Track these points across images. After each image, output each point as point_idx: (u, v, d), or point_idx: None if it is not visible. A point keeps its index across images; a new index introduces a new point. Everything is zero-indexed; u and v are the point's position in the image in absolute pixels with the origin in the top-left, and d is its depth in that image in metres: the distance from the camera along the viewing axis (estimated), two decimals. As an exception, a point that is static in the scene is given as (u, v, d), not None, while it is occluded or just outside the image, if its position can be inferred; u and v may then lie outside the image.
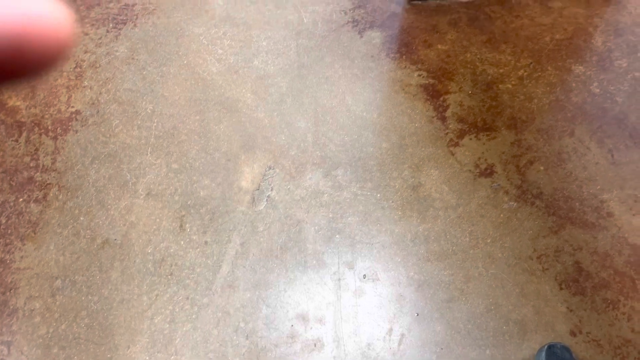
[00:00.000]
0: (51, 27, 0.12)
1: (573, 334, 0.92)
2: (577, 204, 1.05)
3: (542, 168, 1.09)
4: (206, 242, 1.05)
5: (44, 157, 1.17)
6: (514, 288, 0.97)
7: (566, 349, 0.84)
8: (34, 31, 0.12)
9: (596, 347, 0.91)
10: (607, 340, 0.91)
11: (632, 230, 1.01)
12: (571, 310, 0.94)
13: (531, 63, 1.25)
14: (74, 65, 1.31)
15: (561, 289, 0.96)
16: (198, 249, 1.04)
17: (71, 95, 1.26)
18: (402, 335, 0.94)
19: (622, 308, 0.94)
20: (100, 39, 1.36)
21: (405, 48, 1.29)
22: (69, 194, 1.12)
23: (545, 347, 0.85)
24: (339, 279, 1.00)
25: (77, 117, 1.22)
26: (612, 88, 1.19)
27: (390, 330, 0.95)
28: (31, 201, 1.11)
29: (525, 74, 1.23)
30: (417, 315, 0.96)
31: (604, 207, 1.04)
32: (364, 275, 1.00)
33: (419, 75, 1.24)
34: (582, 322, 0.93)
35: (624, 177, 1.07)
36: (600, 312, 0.94)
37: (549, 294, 0.96)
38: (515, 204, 1.06)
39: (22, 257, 1.05)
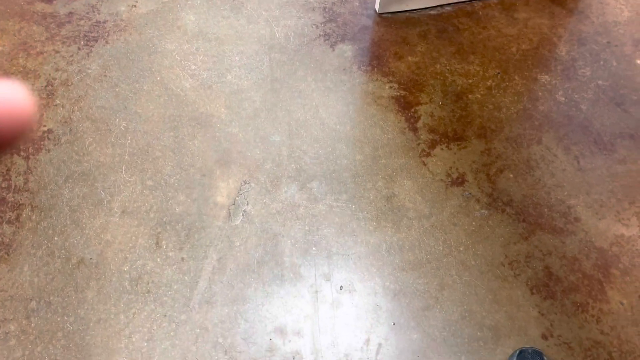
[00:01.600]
0: (11, 110, 0.13)
1: (545, 337, 0.95)
2: (545, 210, 1.08)
3: (511, 176, 1.12)
4: (183, 259, 1.05)
5: (16, 177, 1.16)
6: (487, 294, 0.99)
7: (537, 353, 0.86)
8: None
9: (567, 350, 0.93)
10: (577, 343, 0.94)
11: (599, 234, 1.04)
12: (542, 314, 0.97)
13: (499, 73, 1.28)
14: (45, 84, 1.30)
15: (532, 293, 0.99)
16: (175, 266, 1.04)
17: (43, 114, 1.25)
18: (380, 344, 0.96)
19: (591, 310, 0.97)
20: (71, 56, 1.35)
21: (377, 60, 1.32)
22: (42, 214, 1.11)
23: (517, 352, 0.87)
24: (316, 291, 1.01)
25: (50, 135, 1.22)
26: (576, 96, 1.23)
27: (368, 340, 0.96)
28: (3, 222, 1.10)
29: (494, 84, 1.26)
30: (394, 324, 0.97)
31: (571, 212, 1.07)
32: (341, 286, 1.01)
33: (391, 87, 1.27)
34: (553, 325, 0.96)
35: (590, 182, 1.10)
36: (570, 315, 0.96)
37: (520, 299, 0.98)
38: (486, 211, 1.08)
39: (-5, 279, 1.03)
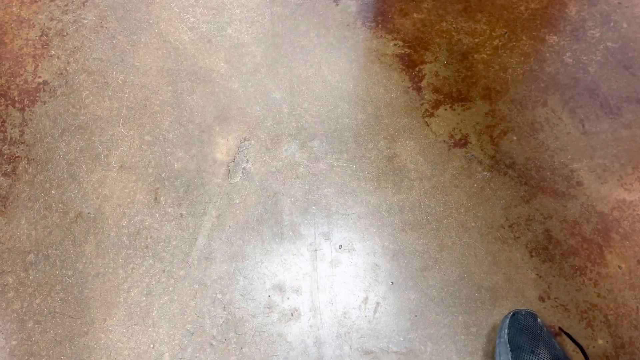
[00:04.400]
0: None
1: (542, 299, 0.95)
2: (548, 173, 1.07)
3: (515, 138, 1.11)
4: (182, 215, 1.04)
5: (12, 129, 1.14)
6: (486, 256, 0.99)
7: (531, 314, 0.87)
8: None
9: (564, 312, 0.94)
10: (574, 305, 0.95)
11: (600, 198, 1.04)
12: (540, 277, 0.97)
13: (506, 32, 1.25)
14: (40, 34, 1.26)
15: (531, 256, 0.99)
16: (173, 222, 1.04)
17: (38, 65, 1.22)
18: (378, 303, 0.96)
19: (589, 274, 0.97)
20: (66, 5, 1.31)
21: (381, 17, 1.28)
22: (39, 167, 1.09)
23: (511, 313, 0.87)
24: (315, 250, 1.01)
25: (45, 87, 1.19)
26: (584, 58, 1.20)
27: (366, 299, 0.96)
28: (0, 175, 1.08)
29: (500, 43, 1.23)
30: (392, 284, 0.98)
31: (574, 176, 1.06)
32: (340, 245, 1.01)
33: (395, 45, 1.23)
34: (550, 288, 0.96)
35: (594, 146, 1.09)
36: (568, 278, 0.97)
37: (519, 262, 0.98)
38: (488, 174, 1.07)
39: (-8, 232, 1.03)
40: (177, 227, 1.03)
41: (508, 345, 0.83)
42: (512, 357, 0.82)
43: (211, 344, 0.94)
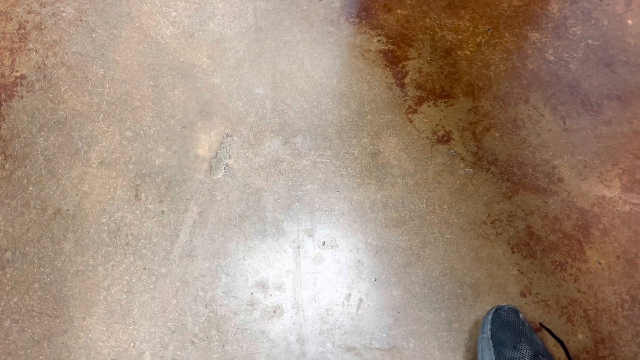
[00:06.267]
0: None
1: (523, 295, 0.96)
2: (530, 169, 1.07)
3: (497, 135, 1.11)
4: (163, 212, 1.03)
5: (-12, 124, 1.11)
6: (468, 252, 1.00)
7: (513, 310, 0.87)
8: None
9: (544, 307, 0.95)
10: (554, 300, 0.95)
11: (581, 194, 1.05)
12: (522, 273, 0.98)
13: (489, 29, 1.25)
14: (17, 27, 1.24)
15: (513, 252, 1.00)
16: (155, 219, 1.02)
17: (15, 59, 1.19)
18: (360, 300, 0.96)
19: (569, 270, 0.98)
20: (44, -2, 1.28)
21: (365, 12, 1.27)
22: (16, 162, 1.07)
23: (493, 309, 0.88)
24: (299, 247, 1.00)
25: (22, 82, 1.16)
26: (566, 55, 1.21)
27: (349, 295, 0.96)
28: (-25, 171, 1.06)
29: (483, 40, 1.24)
30: (375, 280, 0.98)
31: (555, 172, 1.07)
32: (323, 242, 1.01)
33: (379, 41, 1.23)
34: (532, 283, 0.97)
35: (575, 143, 1.10)
36: (549, 273, 0.98)
37: (501, 258, 0.99)
38: (471, 170, 1.07)
39: (-32, 229, 1.00)
40: (159, 224, 1.02)
41: (490, 341, 0.84)
42: (494, 352, 0.82)
43: (193, 342, 0.93)
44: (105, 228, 1.01)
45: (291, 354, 0.92)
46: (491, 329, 0.85)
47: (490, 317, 0.87)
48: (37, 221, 1.02)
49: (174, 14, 1.26)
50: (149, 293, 0.96)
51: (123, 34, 1.23)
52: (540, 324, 0.92)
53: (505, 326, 0.85)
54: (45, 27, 1.24)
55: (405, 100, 1.15)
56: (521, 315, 0.88)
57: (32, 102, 1.14)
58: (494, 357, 0.82)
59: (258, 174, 1.07)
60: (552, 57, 1.21)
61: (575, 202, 1.04)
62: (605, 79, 1.18)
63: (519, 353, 0.81)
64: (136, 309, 0.95)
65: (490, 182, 1.06)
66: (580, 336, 0.93)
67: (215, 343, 0.93)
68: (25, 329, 0.93)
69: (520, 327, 0.85)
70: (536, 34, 1.24)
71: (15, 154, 1.08)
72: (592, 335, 0.93)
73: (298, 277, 0.98)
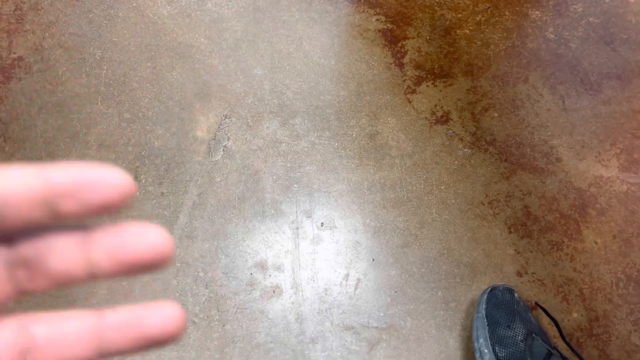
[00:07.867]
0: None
1: (519, 274, 0.97)
2: (528, 150, 1.08)
3: (496, 115, 1.11)
4: (162, 194, 1.04)
5: (-13, 107, 1.11)
6: (465, 232, 1.00)
7: (508, 290, 0.88)
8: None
9: (540, 286, 0.96)
10: (550, 280, 0.97)
11: (578, 174, 1.05)
12: (518, 253, 0.99)
13: (489, 7, 1.24)
14: (14, 8, 1.23)
15: (510, 232, 1.00)
16: (154, 201, 1.03)
17: (12, 41, 1.19)
18: (358, 280, 0.97)
19: (565, 249, 0.99)
20: (40, -22, 1.27)
21: (364, -9, 1.26)
22: (15, 145, 1.08)
23: (489, 289, 0.89)
24: (297, 228, 1.01)
25: (20, 63, 1.16)
26: (566, 34, 1.20)
27: (347, 275, 0.98)
28: (-24, 154, 1.07)
29: (483, 19, 1.23)
30: (373, 260, 0.99)
31: (553, 152, 1.07)
32: (322, 223, 1.02)
33: (377, 20, 1.22)
34: (528, 263, 0.98)
35: (574, 123, 1.10)
36: (545, 253, 0.99)
37: (498, 238, 1.00)
38: (469, 150, 1.08)
39: (-30, 212, 1.01)
40: (158, 206, 1.03)
41: (485, 320, 0.85)
42: (488, 331, 0.84)
43: (194, 322, 0.94)
44: (106, 210, 1.02)
45: (290, 333, 0.94)
46: (486, 309, 0.87)
47: (485, 296, 0.88)
48: (38, 203, 1.03)
49: (170, -7, 1.25)
50: (150, 274, 0.98)
51: (120, 14, 1.22)
52: (536, 303, 0.94)
53: (500, 305, 0.86)
54: (42, 7, 1.23)
55: (404, 81, 1.15)
56: (516, 295, 0.89)
57: (30, 84, 1.14)
58: (487, 336, 0.84)
59: (257, 156, 1.07)
60: (553, 36, 1.20)
61: (573, 182, 1.04)
62: (605, 58, 1.17)
63: (513, 332, 0.83)
64: (137, 290, 0.96)
65: (488, 162, 1.07)
66: (575, 314, 0.94)
67: (216, 322, 0.94)
68: (28, 309, 0.95)
69: (515, 307, 0.86)
70: (537, 12, 1.23)
71: (15, 136, 1.08)
72: (587, 313, 0.94)
73: (297, 258, 0.99)
